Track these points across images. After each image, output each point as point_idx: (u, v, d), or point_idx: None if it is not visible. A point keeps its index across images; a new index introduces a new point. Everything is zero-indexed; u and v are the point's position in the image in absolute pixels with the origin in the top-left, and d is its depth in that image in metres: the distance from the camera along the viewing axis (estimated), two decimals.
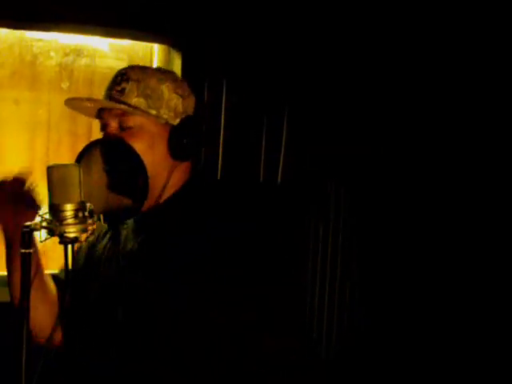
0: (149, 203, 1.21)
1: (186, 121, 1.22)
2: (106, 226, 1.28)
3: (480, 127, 2.48)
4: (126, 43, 2.28)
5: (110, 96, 1.22)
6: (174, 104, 1.22)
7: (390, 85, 2.41)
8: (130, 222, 1.27)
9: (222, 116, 2.19)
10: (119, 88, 1.20)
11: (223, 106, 2.20)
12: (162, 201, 1.23)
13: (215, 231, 1.18)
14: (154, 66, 2.27)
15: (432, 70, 2.43)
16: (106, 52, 2.28)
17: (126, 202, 1.17)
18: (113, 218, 1.20)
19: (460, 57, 2.43)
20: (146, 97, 1.20)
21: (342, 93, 2.36)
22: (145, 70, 1.25)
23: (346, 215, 2.42)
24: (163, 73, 1.25)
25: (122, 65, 2.26)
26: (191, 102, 1.26)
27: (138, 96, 1.19)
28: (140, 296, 1.18)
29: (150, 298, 1.17)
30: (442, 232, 2.48)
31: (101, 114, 1.24)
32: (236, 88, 2.21)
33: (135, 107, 1.19)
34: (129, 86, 1.20)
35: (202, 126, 1.26)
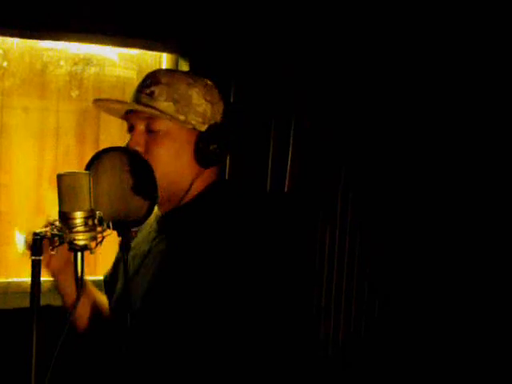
0: (171, 205, 1.24)
1: (214, 127, 1.21)
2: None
3: (482, 132, 2.50)
4: (134, 52, 2.29)
5: (138, 98, 1.22)
6: (202, 110, 1.21)
7: (396, 94, 2.42)
8: (151, 222, 1.29)
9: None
10: (148, 91, 1.20)
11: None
12: (183, 203, 1.25)
13: (229, 235, 1.19)
14: None
15: (438, 79, 2.45)
16: (115, 61, 2.30)
17: (134, 211, 1.18)
18: (121, 226, 1.20)
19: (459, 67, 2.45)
20: (175, 101, 1.19)
21: (349, 99, 2.38)
22: (174, 73, 1.24)
23: (352, 220, 2.43)
24: (193, 78, 1.24)
25: (131, 74, 2.28)
26: (220, 108, 1.24)
27: (166, 100, 1.19)
28: (152, 297, 1.20)
29: (162, 298, 1.19)
30: (448, 234, 2.50)
31: (128, 115, 1.24)
32: (244, 96, 2.22)
33: (163, 111, 1.18)
34: (158, 90, 1.20)
35: (230, 133, 1.24)
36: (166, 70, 1.26)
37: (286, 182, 2.31)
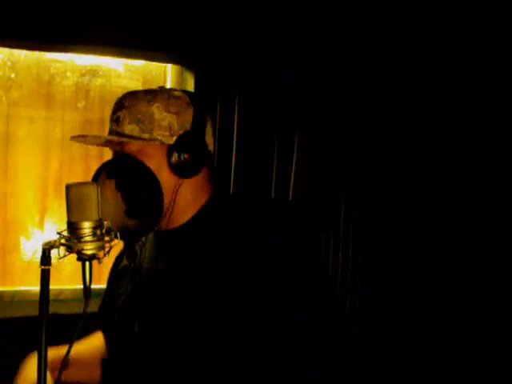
0: (168, 222, 1.23)
1: (183, 137, 1.20)
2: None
3: (484, 138, 2.52)
4: (140, 63, 2.32)
5: (110, 127, 1.24)
6: (167, 123, 1.20)
7: (399, 102, 2.44)
8: (150, 240, 1.30)
9: (234, 134, 2.22)
10: (115, 117, 1.22)
11: (235, 124, 2.23)
12: (184, 220, 1.25)
13: (246, 251, 1.18)
14: (168, 85, 2.31)
15: (440, 84, 2.46)
16: (121, 72, 2.32)
17: (142, 219, 1.19)
18: (129, 235, 1.22)
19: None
20: (138, 122, 1.19)
21: (352, 107, 2.39)
22: (135, 94, 1.24)
23: (355, 228, 2.45)
24: (152, 94, 1.23)
25: (137, 84, 2.31)
26: (188, 116, 1.22)
27: (130, 123, 1.19)
28: (163, 314, 1.22)
29: (175, 316, 1.20)
30: (448, 239, 2.51)
31: (106, 143, 1.27)
32: (248, 106, 2.24)
33: (128, 135, 1.19)
34: (122, 114, 1.20)
35: (203, 139, 1.23)
36: (129, 93, 1.24)
37: (290, 190, 2.33)
